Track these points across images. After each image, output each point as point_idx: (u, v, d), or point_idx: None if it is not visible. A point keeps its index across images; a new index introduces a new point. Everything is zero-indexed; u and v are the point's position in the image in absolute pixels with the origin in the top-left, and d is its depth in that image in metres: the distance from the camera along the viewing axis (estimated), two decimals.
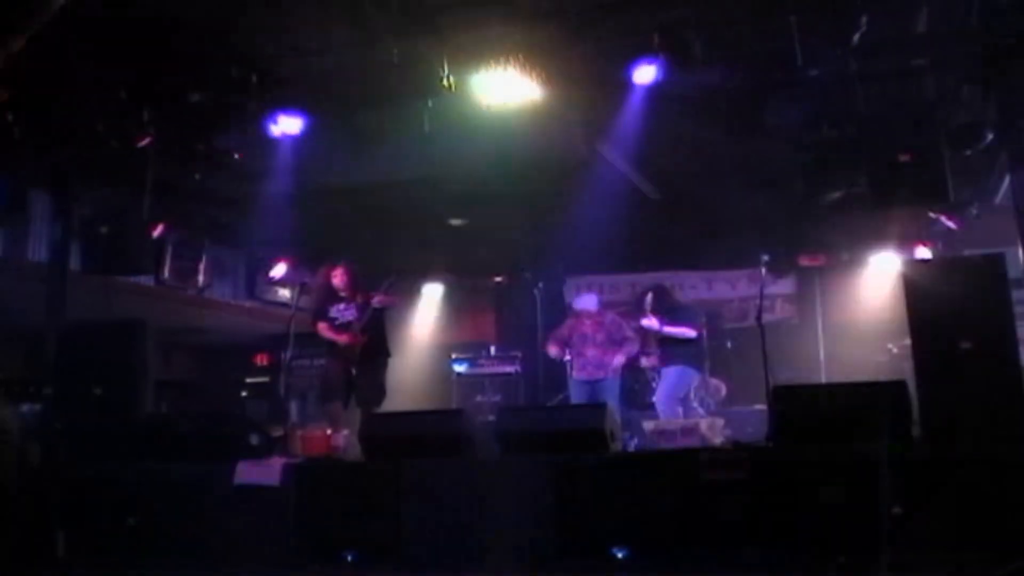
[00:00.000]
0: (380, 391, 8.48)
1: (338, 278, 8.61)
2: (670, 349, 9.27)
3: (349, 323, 8.48)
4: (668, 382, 9.19)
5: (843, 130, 8.30)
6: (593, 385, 9.40)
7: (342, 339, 8.44)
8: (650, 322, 9.25)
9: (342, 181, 9.62)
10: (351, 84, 7.88)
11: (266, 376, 13.26)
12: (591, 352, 9.48)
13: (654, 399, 9.40)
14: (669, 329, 9.19)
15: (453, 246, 12.93)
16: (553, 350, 9.71)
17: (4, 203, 9.11)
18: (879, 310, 10.79)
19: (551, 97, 7.68)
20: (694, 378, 9.34)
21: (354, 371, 8.40)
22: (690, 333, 9.21)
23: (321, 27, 7.12)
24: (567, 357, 9.72)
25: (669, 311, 9.34)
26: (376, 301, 8.40)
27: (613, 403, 9.07)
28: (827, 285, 12.61)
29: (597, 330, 9.53)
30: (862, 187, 8.76)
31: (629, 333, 9.59)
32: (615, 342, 9.48)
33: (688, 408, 9.26)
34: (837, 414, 5.90)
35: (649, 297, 9.42)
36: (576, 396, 9.53)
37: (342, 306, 8.59)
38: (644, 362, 9.99)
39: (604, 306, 10.36)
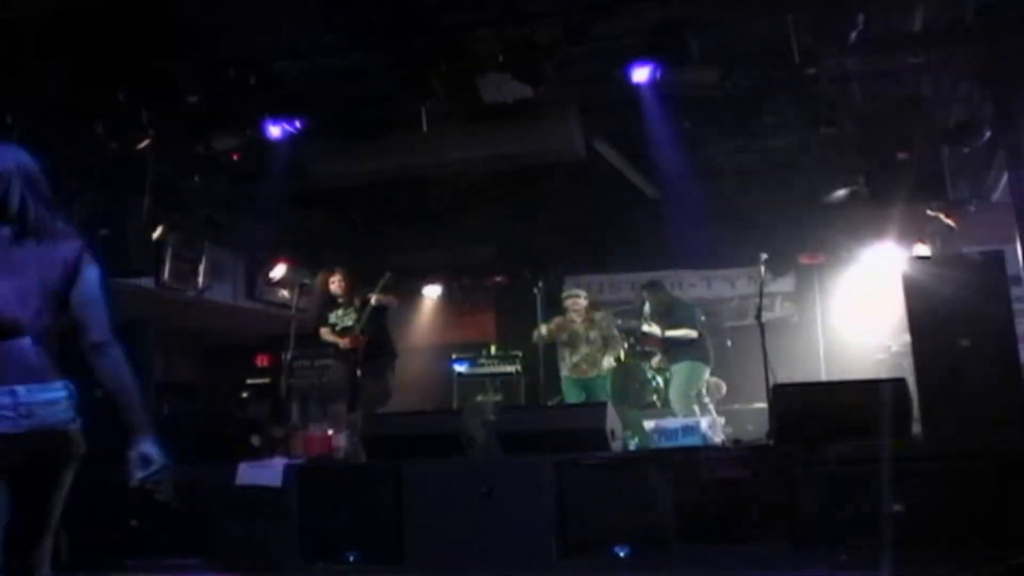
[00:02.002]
0: (385, 392, 8.49)
1: (335, 284, 8.65)
2: (676, 348, 9.25)
3: (349, 327, 8.50)
4: (679, 380, 9.12)
5: (841, 128, 8.31)
6: (585, 383, 9.38)
7: (344, 342, 8.46)
8: (651, 328, 9.23)
9: (341, 181, 9.62)
10: (348, 84, 7.89)
11: (267, 377, 13.23)
12: (585, 350, 9.45)
13: (670, 398, 9.35)
14: (671, 333, 9.17)
15: (452, 246, 12.95)
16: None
17: None
18: (878, 308, 10.78)
19: (549, 96, 7.69)
20: (705, 372, 9.26)
21: (359, 372, 8.41)
22: (691, 334, 9.14)
23: (318, 28, 7.12)
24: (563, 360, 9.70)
25: (668, 311, 9.32)
26: (374, 300, 8.41)
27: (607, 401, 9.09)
28: (826, 283, 12.60)
29: (589, 327, 9.51)
30: (860, 185, 8.78)
31: (615, 332, 9.61)
32: (607, 340, 9.48)
33: (703, 407, 9.20)
34: (837, 412, 5.91)
35: (647, 304, 9.37)
36: (569, 395, 9.50)
37: (341, 311, 8.63)
38: (654, 361, 10.03)
39: (602, 305, 10.35)
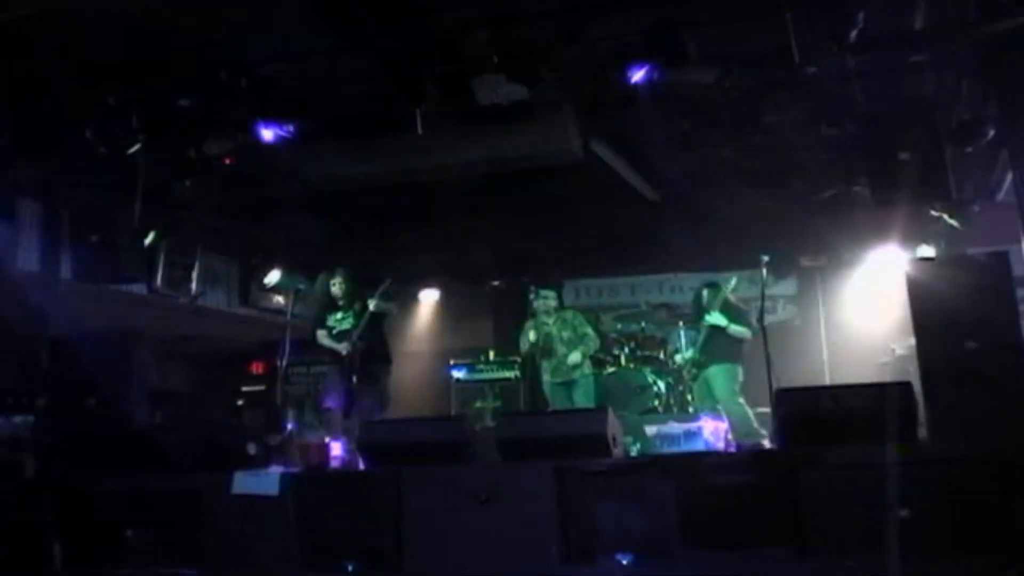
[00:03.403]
0: (382, 399, 8.47)
1: (336, 285, 8.62)
2: (719, 346, 9.33)
3: (347, 330, 8.45)
4: (726, 380, 9.22)
5: (843, 128, 8.24)
6: (568, 386, 9.35)
7: (339, 347, 8.42)
8: (717, 320, 9.32)
9: (335, 185, 9.55)
10: (342, 87, 7.81)
11: (262, 384, 13.18)
12: (562, 350, 9.42)
13: (717, 399, 9.30)
14: (735, 328, 9.27)
15: (449, 251, 12.87)
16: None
17: None
18: (882, 310, 10.73)
19: (545, 97, 7.62)
20: (740, 372, 9.39)
21: (355, 379, 8.35)
22: (747, 334, 9.27)
23: (310, 30, 7.04)
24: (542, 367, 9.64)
25: (725, 307, 9.38)
26: (372, 306, 8.36)
27: (589, 402, 9.08)
28: (829, 285, 12.57)
29: (562, 327, 9.50)
30: (863, 186, 8.71)
31: (588, 329, 9.58)
32: (580, 337, 9.45)
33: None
34: (841, 416, 5.83)
35: (706, 293, 9.53)
36: (554, 400, 9.47)
37: (340, 314, 8.58)
38: (679, 359, 10.02)
39: (601, 309, 10.32)
